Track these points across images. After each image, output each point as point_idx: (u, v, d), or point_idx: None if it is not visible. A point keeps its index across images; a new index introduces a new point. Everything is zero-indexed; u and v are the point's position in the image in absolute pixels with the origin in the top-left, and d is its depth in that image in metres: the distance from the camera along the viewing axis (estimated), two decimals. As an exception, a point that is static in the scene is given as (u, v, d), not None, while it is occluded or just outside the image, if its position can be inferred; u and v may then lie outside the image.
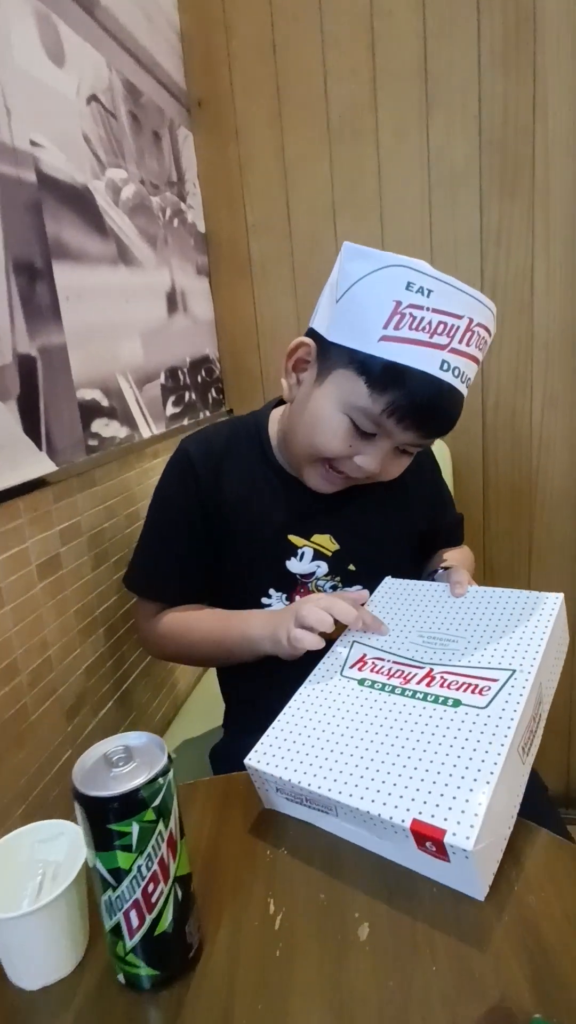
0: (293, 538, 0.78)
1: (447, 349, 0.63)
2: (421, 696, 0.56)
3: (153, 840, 0.39)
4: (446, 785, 0.47)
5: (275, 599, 0.79)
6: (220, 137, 1.26)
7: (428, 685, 0.57)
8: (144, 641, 0.85)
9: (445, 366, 0.63)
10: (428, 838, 0.45)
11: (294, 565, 0.78)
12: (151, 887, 0.40)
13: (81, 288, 0.83)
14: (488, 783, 0.46)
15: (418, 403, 0.64)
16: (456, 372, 0.64)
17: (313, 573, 0.78)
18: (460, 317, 0.63)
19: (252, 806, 0.58)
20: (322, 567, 0.78)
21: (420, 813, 0.46)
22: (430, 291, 0.62)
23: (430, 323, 0.62)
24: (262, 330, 1.34)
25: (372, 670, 0.61)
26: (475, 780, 0.47)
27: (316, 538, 0.78)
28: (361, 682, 0.60)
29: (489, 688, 0.54)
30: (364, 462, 0.70)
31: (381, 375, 0.64)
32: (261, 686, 0.76)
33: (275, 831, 0.55)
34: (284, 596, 0.78)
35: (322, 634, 0.64)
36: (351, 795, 0.49)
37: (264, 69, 1.22)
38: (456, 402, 0.67)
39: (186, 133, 1.23)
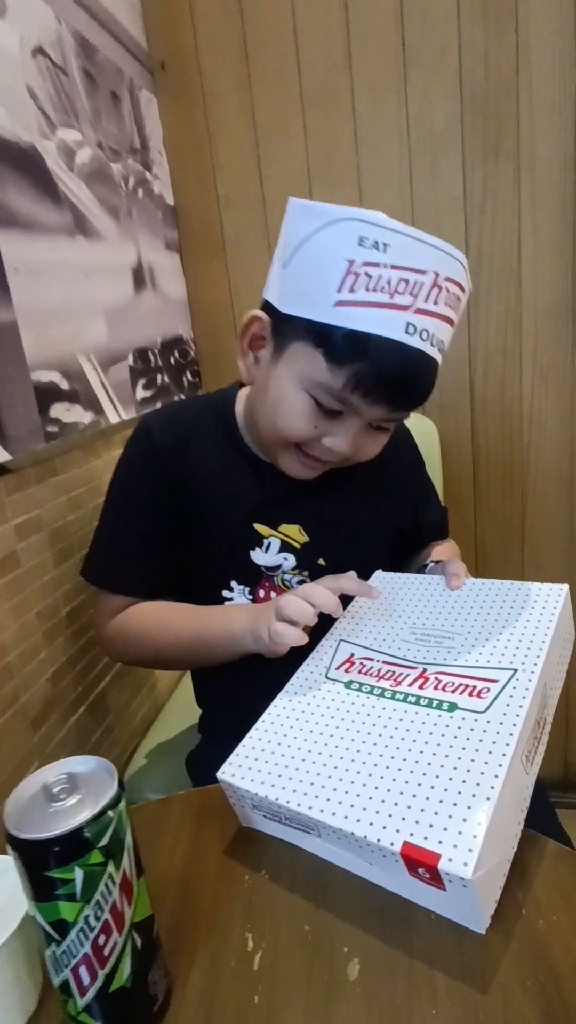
0: (259, 527, 0.72)
1: (412, 310, 0.56)
2: (413, 700, 0.50)
3: (102, 886, 0.34)
4: (440, 802, 0.41)
5: (237, 592, 0.72)
6: (186, 102, 1.19)
7: (421, 687, 0.51)
8: (104, 641, 0.76)
9: (411, 329, 0.57)
10: (420, 863, 0.39)
11: (259, 556, 0.72)
12: (102, 938, 0.34)
13: (33, 261, 0.76)
14: (488, 799, 0.41)
15: (384, 374, 0.58)
16: (425, 335, 0.58)
17: (279, 566, 0.72)
18: (423, 272, 0.56)
19: (230, 822, 0.53)
20: (289, 560, 0.72)
21: (412, 835, 0.40)
22: (386, 245, 0.55)
23: (389, 282, 0.55)
24: (238, 309, 1.27)
25: (360, 671, 0.56)
26: (473, 796, 0.41)
27: (284, 528, 0.72)
28: (348, 685, 0.55)
29: (488, 690, 0.49)
30: (333, 443, 0.63)
31: (340, 346, 0.57)
32: (238, 686, 0.70)
33: (254, 851, 0.50)
34: (247, 590, 0.72)
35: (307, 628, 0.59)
36: (334, 814, 0.43)
37: (231, 28, 1.14)
38: (428, 369, 0.60)
39: (149, 97, 1.15)
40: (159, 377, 1.14)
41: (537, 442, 1.26)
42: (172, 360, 1.20)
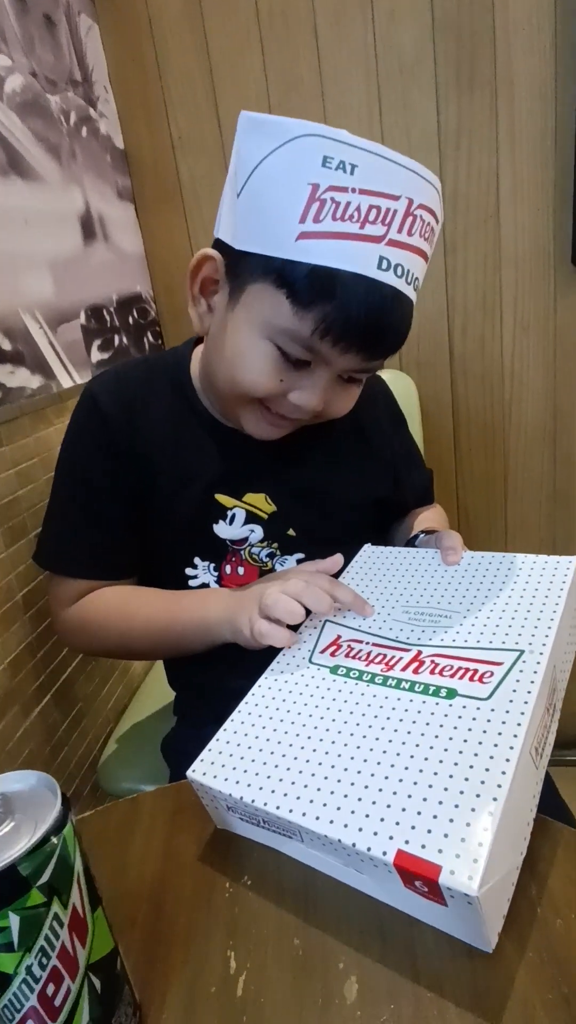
0: (221, 498, 0.65)
1: (384, 241, 0.50)
2: (407, 686, 0.45)
3: (46, 929, 0.28)
4: (440, 804, 0.36)
5: (201, 569, 0.66)
6: (131, 30, 1.07)
7: (416, 672, 0.46)
8: (62, 632, 0.69)
9: (384, 264, 0.50)
10: (418, 875, 0.34)
11: (223, 530, 0.65)
12: (51, 988, 0.29)
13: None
14: (496, 800, 0.35)
15: (356, 316, 0.51)
16: (400, 271, 0.51)
17: (246, 539, 0.66)
18: (397, 198, 0.49)
19: (207, 822, 0.47)
20: (256, 532, 0.66)
21: (407, 843, 0.34)
22: (354, 166, 0.48)
23: (359, 209, 0.49)
24: (199, 263, 1.18)
25: (347, 655, 0.50)
26: (478, 797, 0.35)
27: (249, 498, 0.65)
28: (334, 670, 0.49)
29: (492, 674, 0.43)
30: (301, 398, 0.57)
31: (305, 286, 0.50)
32: (214, 668, 0.64)
33: (236, 854, 0.44)
34: (212, 566, 0.66)
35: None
36: (317, 818, 0.38)
37: (177, -55, 1.03)
38: (403, 311, 0.54)
39: (89, 23, 1.04)
40: (117, 338, 1.05)
41: (519, 397, 1.20)
42: (131, 320, 1.11)
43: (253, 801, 0.40)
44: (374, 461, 0.73)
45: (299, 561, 0.67)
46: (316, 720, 0.44)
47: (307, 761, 0.41)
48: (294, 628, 0.53)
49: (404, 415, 0.82)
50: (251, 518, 0.66)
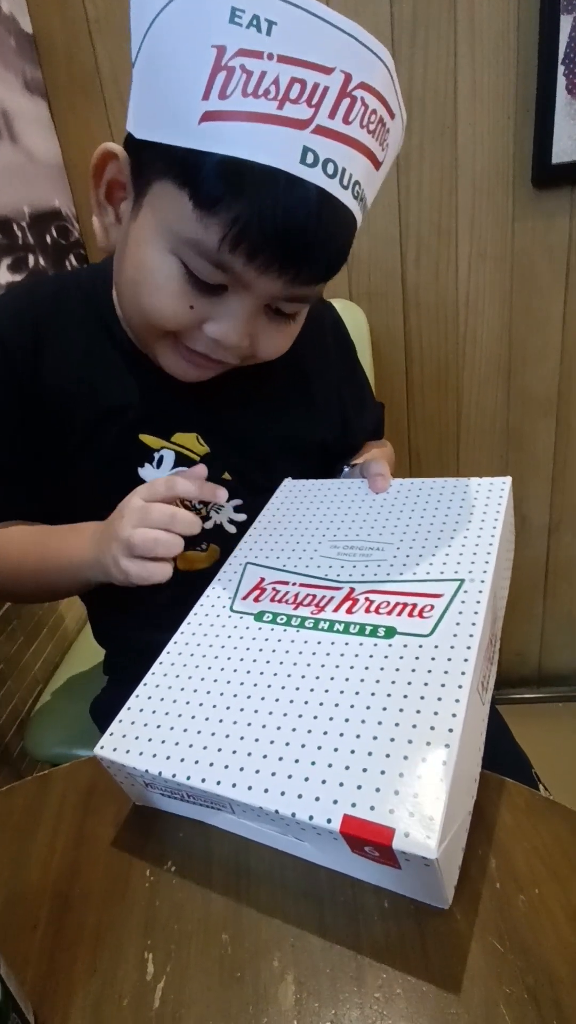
0: (146, 438, 0.56)
1: (310, 128, 0.39)
2: (341, 627, 0.40)
3: None
4: (387, 756, 0.32)
5: None
6: None
7: (350, 611, 0.41)
8: None
9: (310, 158, 0.39)
10: (368, 842, 0.29)
11: (149, 473, 0.57)
12: None
13: None
14: (448, 746, 0.31)
15: (272, 221, 0.40)
16: (332, 168, 0.40)
17: None
18: (330, 71, 0.38)
19: (127, 800, 0.41)
20: None
21: (353, 806, 0.30)
22: (271, 24, 0.37)
23: (277, 82, 0.38)
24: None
25: (273, 599, 0.44)
26: (428, 744, 0.31)
27: (179, 438, 0.57)
28: (258, 617, 0.43)
29: (432, 608, 0.39)
30: (218, 331, 0.47)
31: (209, 182, 0.40)
32: (135, 619, 0.57)
33: (158, 837, 0.39)
34: None
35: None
36: (249, 788, 0.33)
37: None
38: (337, 218, 0.43)
39: None
40: (31, 257, 0.92)
41: (473, 330, 1.14)
42: (48, 239, 0.98)
43: (174, 776, 0.35)
44: (320, 405, 0.65)
45: (236, 508, 0.60)
46: (241, 676, 0.39)
47: (233, 723, 0.36)
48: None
49: (355, 351, 0.73)
50: (181, 460, 0.57)
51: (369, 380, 0.79)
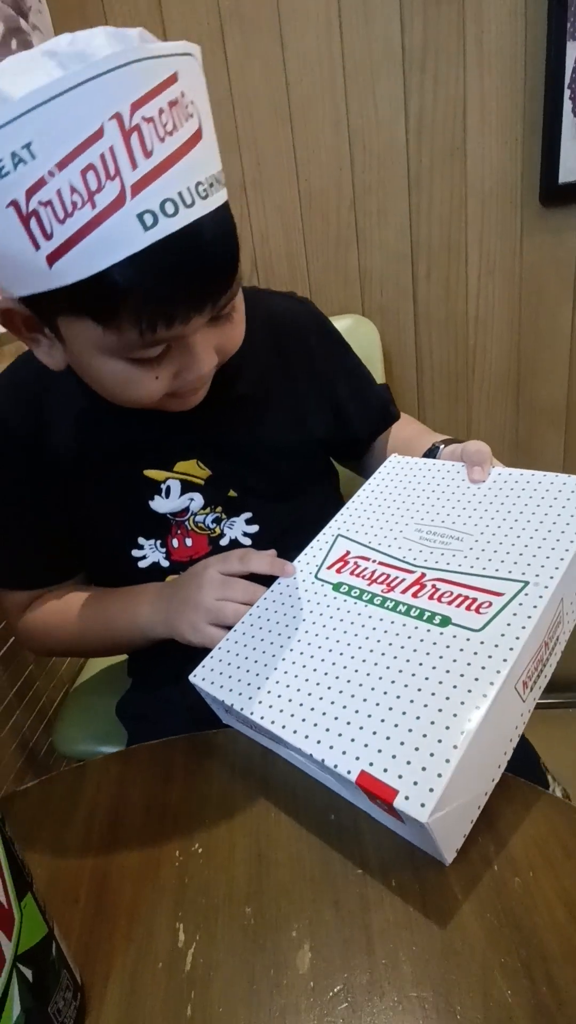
0: (150, 473, 0.60)
1: (131, 192, 0.37)
2: (403, 609, 0.44)
3: (-38, 926, 0.25)
4: (409, 731, 0.36)
5: (148, 548, 0.62)
6: None
7: (415, 596, 0.45)
8: (19, 640, 0.70)
9: (149, 219, 0.38)
10: (377, 796, 0.35)
11: (160, 504, 0.60)
12: (-27, 986, 0.26)
13: None
14: (463, 734, 0.35)
15: (167, 290, 0.41)
16: (171, 207, 0.39)
17: (187, 509, 0.61)
18: (99, 134, 0.36)
19: (157, 790, 0.45)
20: (196, 500, 0.61)
21: (371, 764, 0.36)
22: (28, 145, 0.35)
23: (75, 189, 0.36)
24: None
25: (352, 572, 0.49)
26: (447, 729, 0.35)
27: (180, 467, 0.60)
28: (336, 587, 0.48)
29: (490, 604, 0.41)
30: (191, 376, 0.49)
31: (94, 305, 0.41)
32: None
33: (186, 822, 0.43)
34: (158, 542, 0.62)
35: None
36: (295, 732, 0.40)
37: None
38: (211, 232, 0.42)
39: None
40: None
41: (483, 344, 1.17)
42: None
43: (242, 709, 0.43)
44: (306, 400, 0.66)
45: (248, 521, 0.63)
46: (311, 637, 0.45)
47: (295, 676, 0.43)
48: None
49: (343, 340, 0.73)
50: (188, 487, 0.61)
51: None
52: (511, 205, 1.06)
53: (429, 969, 0.32)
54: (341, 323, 1.07)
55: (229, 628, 0.51)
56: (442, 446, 0.62)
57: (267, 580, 0.53)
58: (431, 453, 0.62)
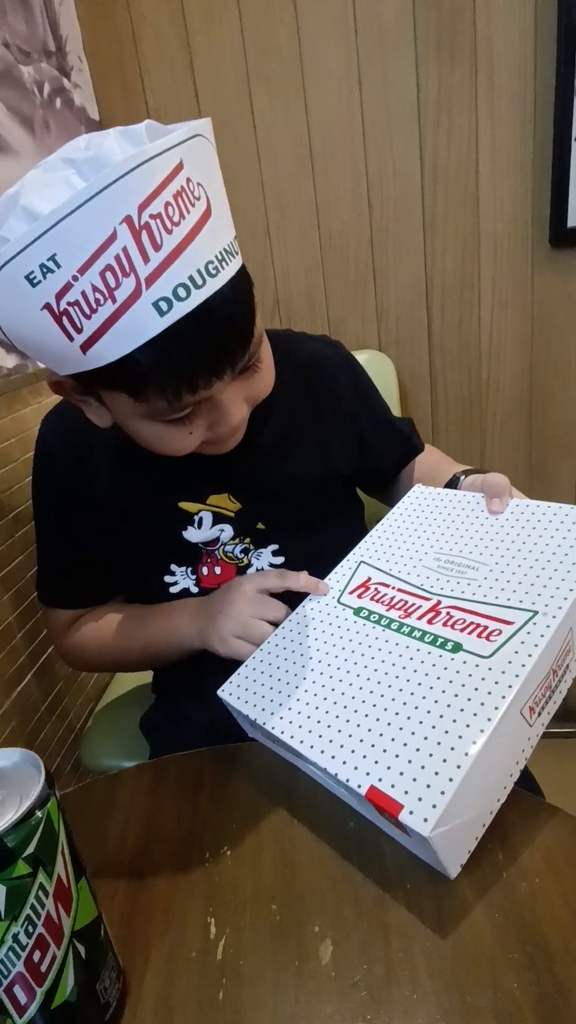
0: (185, 505, 0.64)
1: (146, 284, 0.41)
2: (419, 635, 0.47)
3: (32, 899, 0.29)
4: (417, 750, 0.39)
5: (180, 575, 0.66)
6: (104, -4, 1.04)
7: (430, 622, 0.47)
8: (63, 656, 0.75)
9: (164, 305, 0.42)
10: (383, 810, 0.38)
11: (193, 534, 0.65)
12: (37, 954, 0.30)
13: None
14: (467, 755, 0.38)
15: (187, 366, 0.46)
16: (184, 292, 0.43)
17: (217, 539, 0.66)
18: (113, 237, 0.40)
19: (187, 797, 0.49)
20: (226, 531, 0.65)
21: (380, 780, 0.39)
22: (54, 257, 0.40)
23: (97, 288, 0.41)
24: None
25: (372, 598, 0.52)
26: (452, 749, 0.38)
27: (213, 499, 0.65)
28: (357, 612, 0.52)
29: (500, 632, 0.44)
30: (224, 430, 0.53)
31: (127, 384, 0.46)
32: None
33: (215, 827, 0.46)
34: (189, 570, 0.66)
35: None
36: (312, 747, 0.43)
37: None
38: (226, 304, 0.45)
39: (61, -11, 1.01)
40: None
41: (496, 375, 1.21)
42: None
43: (265, 724, 0.46)
44: (332, 437, 0.70)
45: (274, 552, 0.67)
46: (331, 659, 0.49)
47: (315, 695, 0.46)
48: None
49: (370, 380, 0.77)
50: (219, 518, 0.65)
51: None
52: (522, 246, 1.11)
53: (442, 963, 0.35)
54: (359, 357, 1.12)
55: (255, 645, 0.54)
56: (463, 476, 0.64)
57: (297, 600, 0.57)
58: (452, 483, 0.64)
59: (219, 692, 0.51)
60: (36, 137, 0.89)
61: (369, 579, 0.54)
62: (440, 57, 1.01)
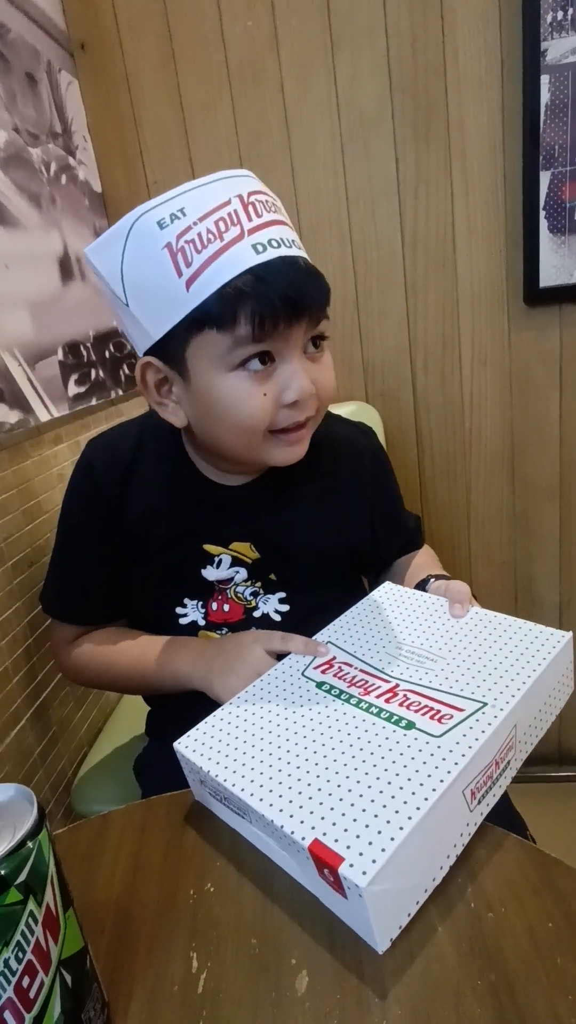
0: (210, 547, 0.70)
1: (247, 233, 0.55)
2: (375, 711, 0.50)
3: (22, 925, 0.31)
4: (363, 811, 0.41)
5: (191, 608, 0.71)
6: (108, 83, 1.14)
7: (387, 701, 0.50)
8: (62, 668, 0.78)
9: (259, 247, 0.55)
10: (326, 864, 0.39)
11: (210, 573, 0.70)
12: (26, 981, 0.32)
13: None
14: (410, 819, 0.39)
15: (270, 292, 0.55)
16: (274, 243, 0.55)
17: (231, 579, 0.71)
18: (228, 202, 0.55)
19: (174, 835, 0.51)
20: (241, 573, 0.71)
21: (324, 834, 0.40)
22: (181, 210, 0.54)
23: (210, 230, 0.54)
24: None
25: (336, 675, 0.55)
26: (396, 813, 0.40)
27: (236, 546, 0.70)
28: (319, 685, 0.55)
29: (451, 717, 0.47)
30: (292, 391, 0.58)
31: (218, 311, 0.55)
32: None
33: (199, 865, 0.48)
34: (200, 604, 0.71)
35: None
36: (261, 799, 0.44)
37: (151, 5, 1.10)
38: (300, 264, 0.57)
39: (69, 79, 1.10)
40: (93, 372, 1.09)
41: (478, 427, 1.27)
42: (107, 354, 1.16)
43: (216, 777, 0.47)
44: (352, 519, 0.75)
45: (281, 600, 0.72)
46: (290, 723, 0.51)
47: (270, 754, 0.48)
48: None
49: (392, 473, 0.83)
50: (236, 562, 0.70)
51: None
52: (498, 306, 1.18)
53: (411, 991, 0.37)
54: (345, 409, 1.18)
55: None
56: (432, 579, 0.70)
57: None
58: (422, 584, 0.70)
59: (175, 744, 0.51)
60: (42, 211, 0.96)
61: (335, 658, 0.58)
62: (416, 137, 1.10)
